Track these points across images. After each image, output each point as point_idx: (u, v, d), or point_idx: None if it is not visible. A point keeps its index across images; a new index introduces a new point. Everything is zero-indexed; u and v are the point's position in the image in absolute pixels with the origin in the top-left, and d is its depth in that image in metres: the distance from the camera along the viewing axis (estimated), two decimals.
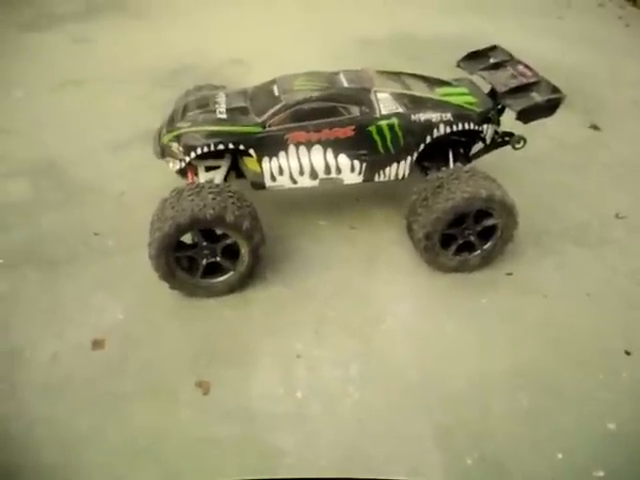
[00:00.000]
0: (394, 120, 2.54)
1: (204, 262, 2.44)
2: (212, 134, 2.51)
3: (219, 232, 2.40)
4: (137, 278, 2.60)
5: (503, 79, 2.70)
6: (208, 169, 2.70)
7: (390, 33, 5.29)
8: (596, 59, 4.79)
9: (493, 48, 2.96)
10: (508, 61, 2.84)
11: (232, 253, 2.46)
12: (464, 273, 2.64)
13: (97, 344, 2.33)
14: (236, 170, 2.81)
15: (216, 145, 2.50)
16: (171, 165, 2.61)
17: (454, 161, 2.78)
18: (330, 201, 3.11)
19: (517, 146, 2.73)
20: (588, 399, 2.13)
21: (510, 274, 2.65)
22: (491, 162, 2.94)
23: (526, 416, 2.08)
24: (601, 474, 1.90)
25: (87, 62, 4.90)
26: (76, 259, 2.76)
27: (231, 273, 2.49)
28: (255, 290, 2.58)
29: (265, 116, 2.52)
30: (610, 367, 2.25)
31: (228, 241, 2.40)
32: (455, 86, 2.83)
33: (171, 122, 2.66)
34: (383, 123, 2.53)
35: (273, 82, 2.72)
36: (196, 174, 2.71)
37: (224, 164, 2.69)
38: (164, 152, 2.63)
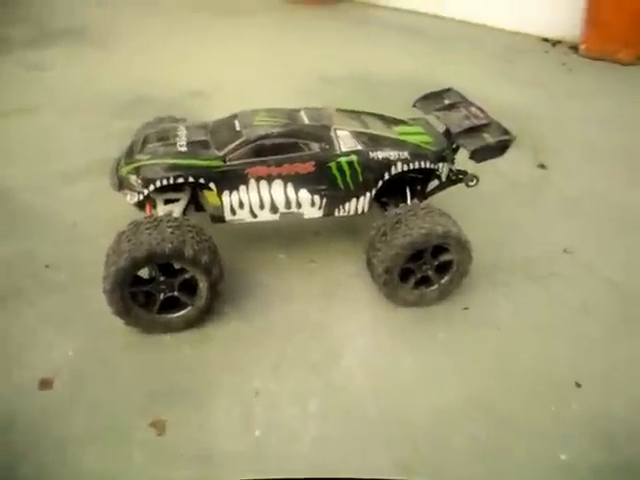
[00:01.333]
0: (353, 157, 2.59)
1: (161, 297, 2.39)
2: (172, 167, 2.49)
3: (177, 266, 2.37)
4: (89, 313, 2.51)
5: (457, 120, 2.81)
6: (167, 202, 2.66)
7: (350, 72, 5.43)
8: (543, 101, 5.06)
9: (447, 90, 3.09)
10: (461, 103, 2.97)
11: (190, 288, 2.42)
12: (422, 307, 2.68)
13: (44, 384, 2.22)
14: (195, 203, 2.79)
15: (176, 178, 2.47)
16: (129, 197, 2.57)
17: (411, 197, 2.86)
18: (290, 234, 3.11)
19: (470, 184, 2.84)
20: (540, 431, 2.17)
21: (466, 308, 2.71)
22: (444, 199, 3.04)
23: (482, 450, 2.09)
24: None
25: (40, 90, 4.80)
26: (24, 293, 2.64)
27: (189, 308, 2.43)
28: (214, 326, 2.53)
29: (226, 150, 2.52)
30: (561, 399, 2.30)
31: (186, 275, 2.36)
32: (411, 125, 2.93)
33: (130, 154, 2.63)
34: (343, 160, 2.58)
35: (234, 117, 2.74)
36: (154, 207, 2.67)
37: (183, 197, 2.67)
38: (122, 184, 2.59)
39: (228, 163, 2.49)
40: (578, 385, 2.36)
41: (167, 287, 2.37)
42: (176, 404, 2.18)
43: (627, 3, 5.50)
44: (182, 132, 2.67)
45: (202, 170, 2.49)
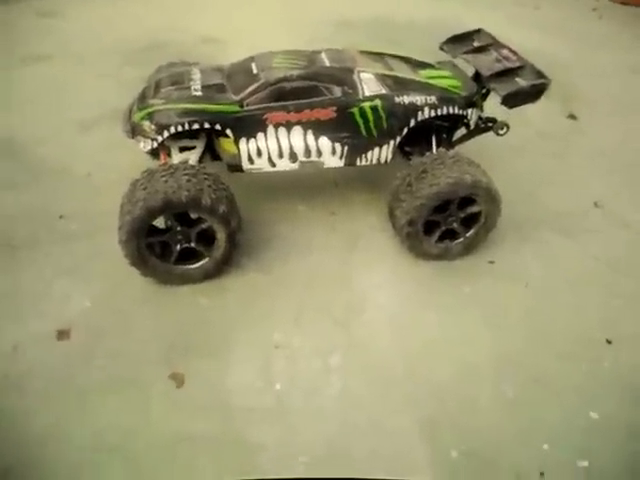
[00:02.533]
0: (377, 102, 2.44)
1: (178, 248, 2.31)
2: (187, 112, 2.36)
3: (194, 216, 2.28)
4: (105, 264, 2.45)
5: (487, 63, 2.63)
6: (182, 150, 2.55)
7: (368, 16, 5.20)
8: (572, 50, 4.80)
9: (477, 31, 2.89)
10: (492, 44, 2.78)
11: (207, 238, 2.33)
12: (446, 261, 2.58)
13: (62, 334, 2.18)
14: (211, 151, 2.67)
15: (191, 124, 2.35)
16: (142, 145, 2.45)
17: (437, 146, 2.71)
18: (309, 185, 3.01)
19: (500, 132, 2.67)
20: (571, 389, 2.11)
21: (492, 262, 2.61)
22: (471, 148, 2.87)
23: (511, 407, 2.03)
24: (585, 464, 1.88)
25: (52, 37, 4.66)
26: (39, 243, 2.58)
27: (206, 259, 2.36)
28: (231, 277, 2.46)
29: (243, 94, 2.39)
30: (592, 356, 2.23)
31: (203, 226, 2.28)
32: (438, 68, 2.75)
33: (143, 99, 2.50)
34: (366, 105, 2.44)
35: (251, 59, 2.59)
36: (169, 155, 2.56)
37: (199, 145, 2.55)
38: (135, 131, 2.47)
39: (245, 108, 2.37)
40: (609, 342, 2.27)
41: (184, 237, 2.29)
42: (195, 356, 2.14)
43: None
44: (197, 75, 2.53)
45: (218, 115, 2.37)
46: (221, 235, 2.29)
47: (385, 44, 4.37)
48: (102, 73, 4.07)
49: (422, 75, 2.61)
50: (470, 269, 2.58)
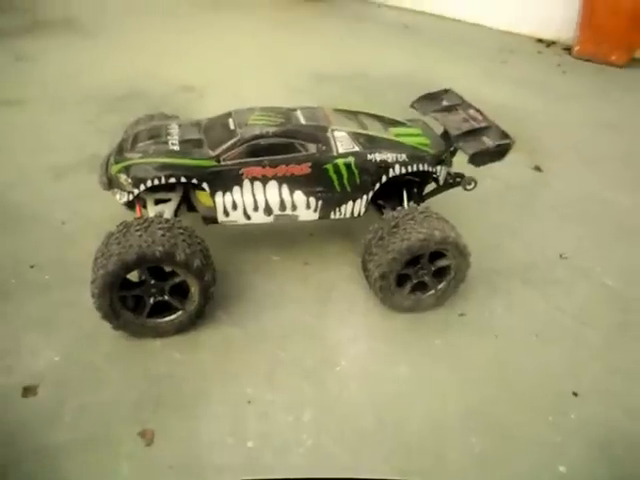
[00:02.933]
0: (351, 159, 2.53)
1: (151, 301, 2.31)
2: (164, 166, 2.40)
3: (168, 269, 2.29)
4: (76, 316, 2.43)
5: (456, 122, 2.75)
6: (158, 202, 2.58)
7: (343, 69, 5.38)
8: (537, 103, 5.03)
9: (445, 91, 3.02)
10: (460, 104, 2.90)
11: (181, 292, 2.34)
12: (418, 313, 2.64)
13: (28, 390, 2.13)
14: (187, 203, 2.71)
15: (167, 178, 2.39)
16: (118, 197, 2.48)
17: (408, 200, 2.81)
18: (283, 236, 3.04)
19: (468, 187, 2.78)
20: (538, 442, 2.14)
21: (463, 314, 2.66)
22: (440, 201, 2.98)
23: (479, 462, 2.05)
24: None
25: (30, 81, 4.69)
26: (7, 294, 2.55)
27: (180, 312, 2.36)
28: (205, 331, 2.46)
29: (220, 150, 2.44)
30: (559, 408, 2.27)
31: (177, 279, 2.29)
32: (409, 126, 2.86)
33: (120, 152, 2.53)
34: (340, 161, 2.51)
35: (228, 115, 2.65)
36: (144, 207, 2.59)
37: (175, 197, 2.59)
38: (111, 183, 2.50)
39: (222, 163, 2.42)
40: (575, 394, 2.32)
41: (157, 291, 2.30)
42: (166, 413, 2.11)
43: (621, 7, 5.50)
44: (174, 130, 2.58)
45: (195, 170, 2.40)
46: (195, 289, 2.30)
47: (360, 97, 4.57)
48: (79, 119, 4.10)
49: (393, 133, 2.71)
50: (441, 322, 2.63)
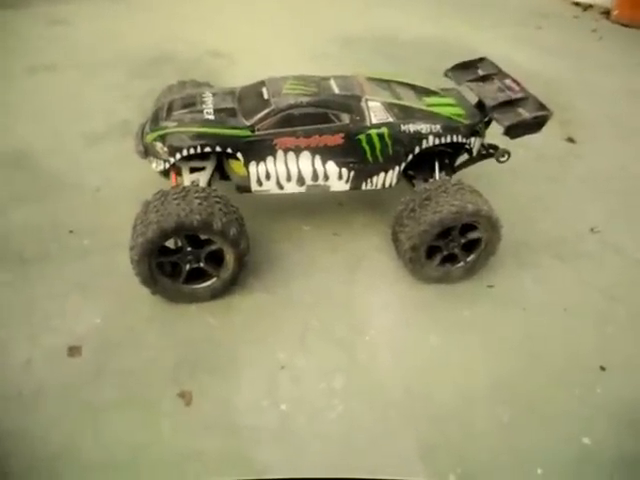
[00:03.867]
0: (384, 130, 2.52)
1: (187, 267, 2.38)
2: (199, 135, 2.44)
3: (204, 237, 2.34)
4: (115, 280, 2.52)
5: (491, 92, 2.71)
6: (192, 170, 2.62)
7: (371, 33, 5.28)
8: (571, 71, 4.89)
9: (481, 60, 2.97)
10: (496, 74, 2.85)
11: (216, 259, 2.40)
12: (447, 284, 2.66)
13: (73, 350, 2.24)
14: (220, 172, 2.75)
15: (203, 147, 2.43)
16: (154, 165, 2.53)
17: (440, 171, 2.79)
18: (313, 206, 3.08)
19: (501, 159, 2.76)
20: (564, 414, 2.18)
21: (491, 286, 2.68)
22: (471, 172, 2.96)
23: (506, 432, 2.10)
24: None
25: (62, 46, 4.72)
26: (49, 258, 2.64)
27: (214, 279, 2.43)
28: (238, 297, 2.53)
29: (254, 119, 2.46)
30: (585, 382, 2.30)
31: (213, 247, 2.34)
32: (443, 96, 2.83)
33: (155, 121, 2.56)
34: (373, 132, 2.51)
35: (262, 84, 2.65)
36: (179, 174, 2.64)
37: (209, 166, 2.62)
38: (147, 151, 2.55)
39: (256, 133, 2.44)
40: (602, 369, 2.35)
41: (194, 258, 2.36)
42: (202, 375, 2.20)
43: None
44: (209, 98, 2.60)
45: (230, 139, 2.44)
46: (230, 257, 2.36)
47: (386, 61, 4.48)
48: (110, 84, 4.14)
49: (427, 103, 2.69)
50: (470, 293, 2.65)
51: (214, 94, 2.66)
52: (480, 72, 2.89)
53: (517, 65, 4.25)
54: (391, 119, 2.54)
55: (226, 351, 2.32)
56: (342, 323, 2.48)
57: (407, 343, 2.42)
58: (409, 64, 4.56)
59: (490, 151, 2.80)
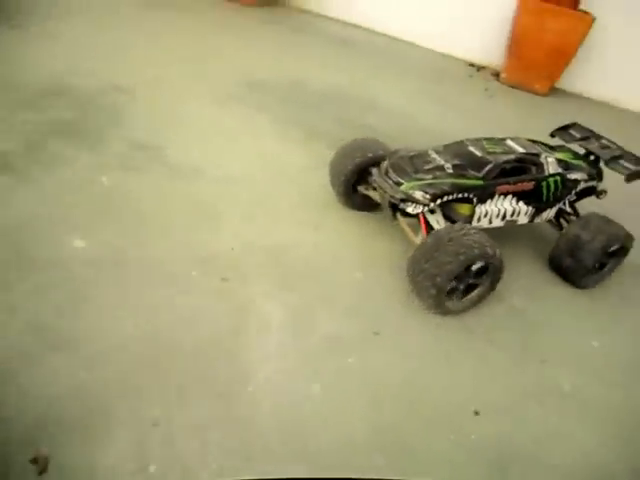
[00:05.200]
0: (557, 178, 3.02)
1: None
2: (453, 185, 2.76)
3: None
4: None
5: (598, 149, 3.19)
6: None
7: (280, 79, 5.05)
8: (464, 124, 5.03)
9: (574, 124, 3.46)
10: (592, 135, 3.34)
11: None
12: (334, 332, 2.48)
13: None
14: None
15: (458, 193, 2.76)
16: (411, 209, 2.76)
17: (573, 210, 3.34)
18: (204, 250, 2.75)
19: (601, 197, 3.28)
20: (439, 460, 2.19)
21: (377, 333, 2.57)
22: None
23: (382, 477, 2.06)
24: None
25: None
26: None
27: None
28: (113, 347, 2.18)
29: (483, 172, 2.83)
30: (460, 427, 2.33)
31: None
32: (565, 152, 3.25)
33: (406, 173, 2.79)
34: (551, 180, 3.01)
35: (465, 144, 2.97)
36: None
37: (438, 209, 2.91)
38: (406, 199, 2.76)
39: (486, 182, 2.82)
40: (477, 413, 2.41)
41: None
42: (64, 434, 1.92)
43: (543, 42, 5.88)
44: (435, 156, 2.90)
45: (472, 187, 2.80)
46: None
47: (297, 108, 4.59)
48: None
49: (565, 157, 3.14)
50: (356, 340, 2.50)
51: (437, 152, 2.95)
52: (577, 134, 3.36)
53: (413, 116, 4.64)
54: (560, 170, 3.03)
55: (95, 405, 2.08)
56: (224, 374, 2.06)
57: (289, 394, 2.13)
58: (316, 112, 4.61)
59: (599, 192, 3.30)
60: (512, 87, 6.34)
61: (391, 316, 2.68)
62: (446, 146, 3.04)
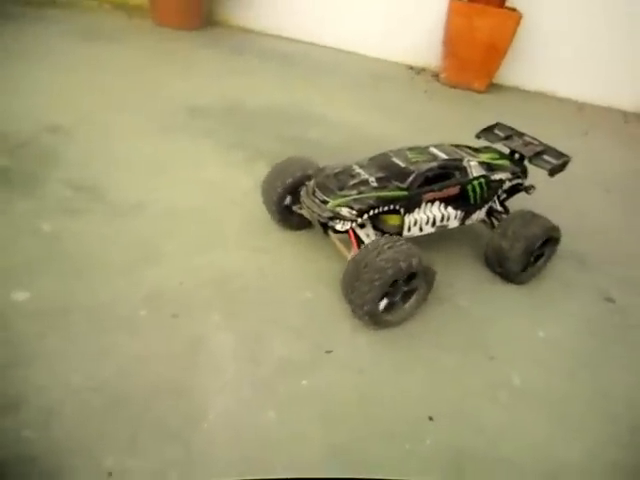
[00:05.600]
0: (482, 180, 3.13)
1: None
2: (378, 198, 2.79)
3: None
4: None
5: (521, 147, 3.33)
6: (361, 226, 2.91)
7: (219, 102, 5.03)
8: (405, 128, 5.11)
9: (497, 124, 3.56)
10: (514, 133, 3.48)
11: None
12: (287, 356, 2.46)
13: None
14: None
15: (384, 206, 2.80)
16: (339, 226, 2.79)
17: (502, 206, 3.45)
18: (151, 286, 2.69)
19: (530, 192, 3.39)
20: (395, 471, 2.19)
21: (330, 352, 2.58)
22: None
23: None
24: None
25: None
26: None
27: None
28: (59, 400, 2.05)
29: (407, 182, 2.89)
30: (415, 435, 2.33)
31: None
32: (491, 152, 3.38)
33: (330, 191, 2.82)
34: (475, 183, 3.11)
35: (388, 156, 3.03)
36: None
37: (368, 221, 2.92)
38: (333, 217, 2.77)
39: (410, 192, 2.88)
40: (431, 419, 2.41)
41: None
42: None
43: (476, 40, 6.07)
44: (359, 170, 2.95)
45: (397, 199, 2.86)
46: None
47: (238, 130, 4.60)
48: None
49: (488, 158, 3.25)
50: (308, 361, 2.50)
51: (361, 166, 2.99)
52: (498, 132, 3.48)
53: (356, 125, 4.82)
54: (483, 172, 3.12)
55: (44, 464, 2.08)
56: (178, 414, 2.01)
57: (245, 424, 2.10)
58: (259, 132, 4.61)
59: (528, 188, 3.42)
60: (452, 87, 6.49)
61: (341, 333, 2.69)
62: (371, 159, 3.09)
